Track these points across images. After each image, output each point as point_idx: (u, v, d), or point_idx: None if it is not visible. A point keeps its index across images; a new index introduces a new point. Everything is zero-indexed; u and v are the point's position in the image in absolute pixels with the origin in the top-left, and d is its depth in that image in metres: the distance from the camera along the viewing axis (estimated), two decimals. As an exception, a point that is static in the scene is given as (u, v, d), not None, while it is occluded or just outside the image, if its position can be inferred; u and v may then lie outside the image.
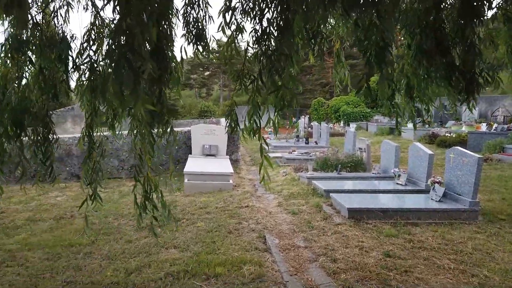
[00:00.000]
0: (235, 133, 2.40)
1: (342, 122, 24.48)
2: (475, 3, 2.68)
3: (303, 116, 23.13)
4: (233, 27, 2.54)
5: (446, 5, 2.97)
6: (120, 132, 3.03)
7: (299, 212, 5.82)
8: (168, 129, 2.33)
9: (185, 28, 2.98)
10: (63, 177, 9.23)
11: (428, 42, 2.75)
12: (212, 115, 29.80)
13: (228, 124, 2.29)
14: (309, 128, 19.76)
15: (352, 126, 20.51)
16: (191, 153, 9.92)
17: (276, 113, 2.29)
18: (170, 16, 2.18)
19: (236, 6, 2.45)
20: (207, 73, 49.20)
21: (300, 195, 6.84)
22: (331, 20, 3.36)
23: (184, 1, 3.00)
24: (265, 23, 2.23)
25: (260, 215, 5.75)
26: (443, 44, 2.76)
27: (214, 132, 10.13)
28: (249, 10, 2.36)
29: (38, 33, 2.71)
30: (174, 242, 4.64)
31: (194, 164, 8.65)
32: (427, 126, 15.81)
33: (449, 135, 13.24)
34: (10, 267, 4.03)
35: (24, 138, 2.74)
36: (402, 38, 3.30)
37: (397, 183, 7.04)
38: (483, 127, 13.93)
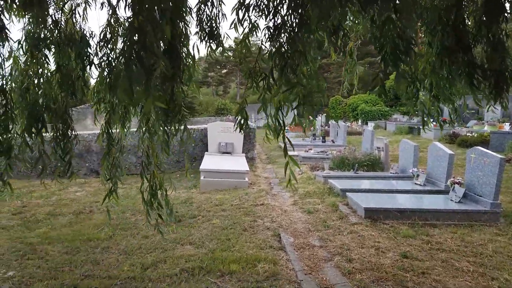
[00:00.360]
0: (244, 130, 2.37)
1: (360, 120, 24.19)
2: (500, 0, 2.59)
3: (320, 114, 22.97)
4: (246, 24, 2.52)
5: (468, 2, 2.89)
6: (128, 130, 3.06)
7: (314, 211, 5.79)
8: (182, 127, 2.34)
9: (198, 26, 2.99)
10: (83, 172, 9.43)
11: (450, 39, 2.68)
12: (229, 113, 29.89)
13: (238, 121, 2.28)
14: (326, 127, 19.62)
15: (370, 125, 20.24)
16: (207, 151, 9.99)
17: (301, 111, 2.23)
18: (184, 14, 2.18)
19: (250, 2, 2.43)
20: (224, 71, 49.41)
21: (315, 194, 6.79)
22: (351, 17, 3.31)
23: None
24: (278, 20, 2.20)
25: (275, 213, 5.74)
26: (463, 41, 2.68)
27: (230, 130, 10.16)
28: (263, 7, 2.35)
29: (56, 31, 2.76)
30: (190, 239, 4.69)
31: (210, 162, 8.70)
32: (447, 125, 15.47)
33: (470, 135, 12.91)
34: (31, 260, 4.14)
35: (45, 134, 2.81)
36: (423, 36, 3.22)
37: (415, 183, 6.92)
38: (506, 126, 13.51)
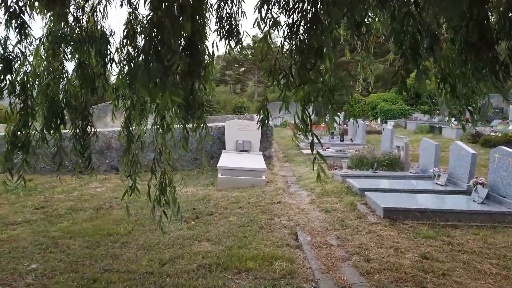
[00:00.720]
0: (266, 128, 2.37)
1: (379, 119, 23.84)
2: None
3: (339, 113, 22.75)
4: (268, 21, 2.51)
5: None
6: (145, 126, 3.09)
7: (332, 210, 5.74)
8: (202, 124, 2.35)
9: (218, 23, 2.99)
10: (103, 169, 9.62)
11: (474, 36, 2.60)
12: (246, 111, 29.93)
13: (260, 119, 2.27)
14: (344, 125, 19.41)
15: (390, 124, 19.93)
16: (224, 149, 10.03)
17: (329, 109, 2.21)
18: (204, 11, 2.18)
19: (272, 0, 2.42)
20: (242, 69, 49.49)
21: (333, 193, 6.73)
22: (370, 13, 3.25)
23: None
24: (297, 16, 2.18)
25: (292, 211, 5.72)
26: (487, 37, 2.59)
27: (248, 128, 10.18)
28: (284, 4, 2.32)
29: (77, 29, 2.81)
30: (207, 235, 4.72)
31: (227, 159, 8.74)
32: (469, 125, 15.09)
33: (494, 134, 12.55)
34: (53, 253, 4.25)
35: (65, 131, 2.87)
36: (444, 32, 3.14)
37: (436, 183, 6.77)
38: (532, 126, 13.09)
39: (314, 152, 2.10)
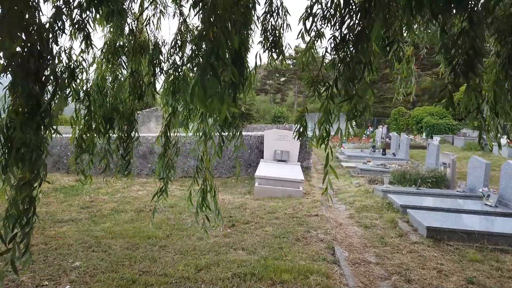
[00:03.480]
0: (303, 139, 2.36)
1: (424, 134, 22.92)
2: None
3: (381, 126, 22.18)
4: (312, 33, 2.52)
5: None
6: (186, 133, 3.17)
7: (371, 226, 5.56)
8: (238, 133, 2.38)
9: (262, 35, 3.04)
10: (145, 173, 9.94)
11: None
12: (285, 121, 29.89)
13: (297, 129, 2.27)
14: (387, 139, 18.86)
15: (436, 139, 19.08)
16: (263, 158, 10.05)
17: (347, 122, 2.21)
18: (250, 24, 2.23)
19: (317, 12, 2.43)
20: (282, 79, 49.60)
21: (373, 208, 6.53)
22: (415, 25, 3.17)
23: (264, 9, 3.06)
24: (345, 30, 2.17)
25: (330, 225, 5.60)
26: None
27: (286, 138, 10.14)
28: (330, 17, 2.32)
29: (132, 39, 2.97)
30: (242, 244, 4.72)
31: (265, 169, 8.74)
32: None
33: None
34: (96, 252, 4.42)
35: (112, 135, 3.02)
36: (490, 46, 2.99)
37: (485, 204, 6.38)
38: None
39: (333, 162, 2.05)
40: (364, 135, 23.07)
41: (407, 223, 5.61)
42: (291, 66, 40.79)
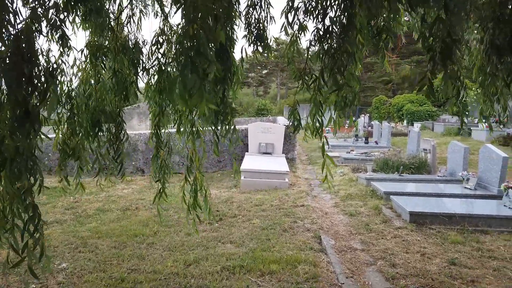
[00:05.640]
0: (298, 131, 2.39)
1: (405, 121, 23.33)
2: None
3: (363, 115, 22.45)
4: (296, 27, 2.54)
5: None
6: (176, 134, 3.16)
7: (356, 213, 5.67)
8: (232, 128, 2.40)
9: (247, 29, 3.04)
10: (129, 171, 9.85)
11: (501, 36, 2.53)
12: (269, 113, 29.93)
13: (291, 122, 2.30)
14: (369, 128, 19.13)
15: (417, 126, 19.46)
16: (247, 151, 10.07)
17: (336, 112, 2.25)
18: (234, 19, 2.23)
19: (299, 6, 2.45)
20: (264, 71, 49.54)
21: (358, 196, 6.65)
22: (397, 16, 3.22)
23: (246, 3, 3.05)
24: (327, 22, 2.20)
25: (316, 215, 5.68)
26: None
27: (271, 130, 10.19)
28: (312, 10, 2.35)
29: (113, 39, 2.93)
30: (230, 238, 4.75)
31: (250, 162, 8.77)
32: (502, 126, 14.55)
33: (527, 136, 12.06)
34: (82, 252, 4.38)
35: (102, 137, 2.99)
36: (476, 32, 3.07)
37: (465, 187, 6.58)
38: None
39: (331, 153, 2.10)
40: (346, 125, 23.35)
41: (390, 209, 5.74)
42: (272, 58, 40.73)
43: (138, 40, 3.11)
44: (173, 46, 2.92)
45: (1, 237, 1.85)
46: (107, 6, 2.89)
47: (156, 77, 2.87)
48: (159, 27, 3.04)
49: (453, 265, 3.88)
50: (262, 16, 3.07)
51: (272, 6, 3.12)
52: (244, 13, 3.03)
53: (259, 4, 3.01)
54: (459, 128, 16.75)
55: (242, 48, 2.63)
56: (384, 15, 2.38)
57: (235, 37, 2.48)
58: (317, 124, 2.23)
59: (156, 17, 3.16)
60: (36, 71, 1.89)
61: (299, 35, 2.69)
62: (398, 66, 33.64)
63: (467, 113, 3.01)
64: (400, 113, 24.77)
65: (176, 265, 3.97)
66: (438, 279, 3.58)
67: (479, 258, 4.04)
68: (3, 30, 1.76)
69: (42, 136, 2.00)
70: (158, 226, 5.27)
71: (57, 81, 2.58)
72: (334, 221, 5.38)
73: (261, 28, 3.05)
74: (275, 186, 7.63)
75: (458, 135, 15.93)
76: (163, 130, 3.14)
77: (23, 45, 1.78)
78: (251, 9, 3.02)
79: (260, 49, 3.08)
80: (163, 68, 2.78)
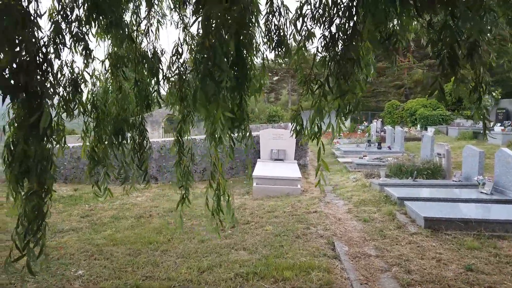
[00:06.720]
0: (300, 136, 2.42)
1: (418, 126, 23.06)
2: None
3: (375, 120, 22.29)
4: (303, 33, 2.57)
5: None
6: (191, 138, 3.21)
7: (370, 219, 5.62)
8: (247, 134, 2.44)
9: (267, 36, 3.08)
10: (142, 178, 9.95)
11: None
12: (280, 120, 29.94)
13: (293, 127, 2.33)
14: (382, 133, 18.97)
15: (430, 130, 19.22)
16: (259, 158, 10.09)
17: (336, 118, 2.27)
18: (249, 27, 2.27)
19: (307, 13, 2.48)
20: (275, 78, 49.67)
21: (371, 202, 6.59)
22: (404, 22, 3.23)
23: (266, 10, 3.10)
24: (334, 29, 2.23)
25: (329, 221, 5.65)
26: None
27: (282, 136, 10.20)
28: (319, 17, 2.38)
29: (131, 50, 3.01)
30: (243, 244, 4.76)
31: (262, 168, 8.78)
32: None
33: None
34: (98, 260, 4.45)
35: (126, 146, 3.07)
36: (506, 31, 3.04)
37: (481, 192, 6.46)
38: None
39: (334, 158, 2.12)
40: (359, 130, 23.17)
41: (405, 215, 5.68)
42: (283, 65, 40.88)
43: (156, 49, 3.20)
44: (190, 55, 2.99)
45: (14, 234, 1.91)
46: (126, 18, 2.98)
47: (177, 86, 2.94)
48: (179, 37, 3.12)
49: (470, 271, 3.81)
50: (281, 22, 3.10)
51: (291, 12, 3.16)
52: (263, 20, 3.07)
53: (278, 10, 3.06)
54: (474, 132, 16.50)
55: (263, 54, 2.68)
56: (394, 21, 2.40)
57: (255, 44, 2.53)
58: (316, 129, 2.26)
59: (176, 28, 3.26)
60: (49, 82, 1.96)
61: (307, 42, 2.72)
62: (410, 70, 33.36)
63: (488, 116, 2.97)
64: (413, 117, 24.49)
65: (190, 272, 4.00)
66: (455, 285, 3.52)
67: (496, 264, 3.96)
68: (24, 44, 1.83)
69: (57, 145, 2.07)
70: (171, 234, 5.32)
71: (81, 91, 2.66)
72: (347, 227, 5.34)
73: (281, 34, 3.09)
74: (288, 193, 7.62)
75: (473, 139, 15.69)
76: (185, 137, 3.19)
77: (42, 57, 1.85)
78: (270, 15, 3.07)
79: (281, 54, 3.12)
80: (184, 77, 2.84)
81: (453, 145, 12.78)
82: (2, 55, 1.70)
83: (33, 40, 1.84)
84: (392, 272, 3.86)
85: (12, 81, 1.67)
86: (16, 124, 1.81)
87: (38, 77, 1.81)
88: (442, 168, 8.47)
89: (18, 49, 1.71)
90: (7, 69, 1.68)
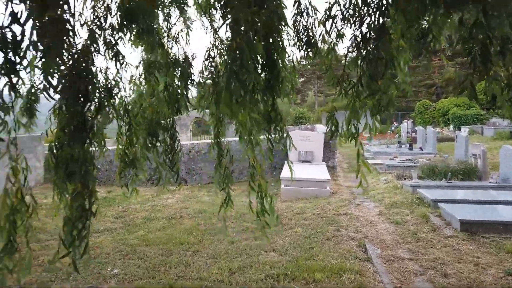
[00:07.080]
0: (335, 138, 2.40)
1: (451, 126, 22.32)
2: None
3: (406, 120, 21.76)
4: (333, 34, 2.56)
5: None
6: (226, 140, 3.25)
7: (403, 222, 5.49)
8: (284, 135, 2.46)
9: (296, 37, 3.09)
10: (173, 180, 10.15)
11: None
12: (307, 121, 29.76)
13: (328, 129, 2.32)
14: (413, 133, 18.50)
15: (464, 130, 18.57)
16: (286, 160, 10.07)
17: (373, 118, 2.24)
18: (279, 29, 2.28)
19: (336, 14, 2.47)
20: (301, 79, 49.43)
21: (403, 204, 6.44)
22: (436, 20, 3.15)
23: (293, 11, 3.11)
24: (364, 29, 2.21)
25: (360, 223, 5.56)
26: None
27: (309, 138, 10.14)
28: (349, 17, 2.37)
29: (163, 55, 3.10)
30: (273, 246, 4.76)
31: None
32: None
33: None
34: (132, 259, 4.57)
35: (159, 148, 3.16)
36: None
37: (521, 194, 6.18)
38: None
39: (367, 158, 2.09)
40: (389, 131, 22.68)
41: (439, 218, 5.51)
42: (309, 66, 40.68)
43: (187, 54, 3.28)
44: (220, 59, 3.05)
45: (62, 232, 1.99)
46: (159, 24, 3.07)
47: (210, 89, 2.99)
48: (210, 42, 3.18)
49: (511, 276, 3.65)
50: (310, 22, 3.10)
51: (319, 11, 3.14)
52: (292, 21, 3.08)
53: (306, 11, 3.05)
54: (511, 131, 15.81)
55: (292, 56, 2.69)
56: (428, 18, 2.35)
57: (285, 45, 2.54)
58: (353, 130, 2.23)
59: (206, 33, 3.34)
60: (90, 87, 2.05)
61: (337, 43, 2.70)
62: (441, 69, 32.38)
63: None
64: (446, 117, 23.74)
65: (221, 272, 4.04)
66: (495, 290, 3.39)
67: (540, 269, 3.78)
68: (63, 51, 1.93)
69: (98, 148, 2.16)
70: (202, 235, 5.39)
71: (115, 96, 2.76)
72: (379, 230, 5.24)
73: (310, 34, 3.09)
74: (316, 195, 7.56)
75: (510, 139, 15.03)
76: (223, 140, 3.24)
77: (82, 64, 1.94)
78: (298, 16, 3.07)
79: (311, 54, 3.11)
80: (217, 80, 2.89)
81: (489, 146, 12.29)
82: (59, 63, 1.80)
83: (76, 49, 1.93)
84: (427, 275, 3.76)
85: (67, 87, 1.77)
86: (59, 128, 1.90)
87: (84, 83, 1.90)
88: (478, 169, 8.16)
89: (65, 58, 1.81)
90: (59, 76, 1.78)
